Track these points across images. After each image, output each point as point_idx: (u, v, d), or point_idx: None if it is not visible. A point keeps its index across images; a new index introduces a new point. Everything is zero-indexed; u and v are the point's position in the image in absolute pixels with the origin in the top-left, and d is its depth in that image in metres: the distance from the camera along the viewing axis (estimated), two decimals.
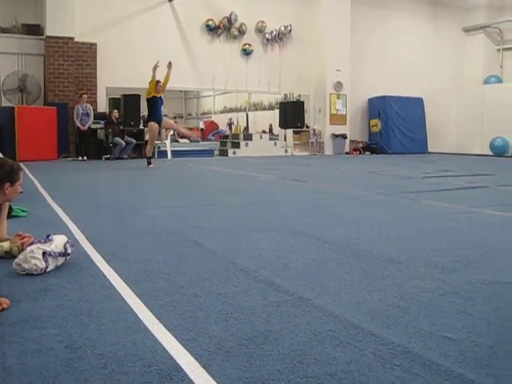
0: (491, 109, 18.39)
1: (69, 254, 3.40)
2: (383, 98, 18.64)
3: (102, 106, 15.16)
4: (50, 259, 3.25)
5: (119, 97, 14.83)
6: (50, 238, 3.38)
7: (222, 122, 26.09)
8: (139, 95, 14.91)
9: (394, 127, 18.69)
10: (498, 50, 21.27)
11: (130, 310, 2.58)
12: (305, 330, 2.32)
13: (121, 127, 14.30)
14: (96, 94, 14.97)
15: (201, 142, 21.82)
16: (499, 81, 20.13)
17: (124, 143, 14.10)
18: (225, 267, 3.35)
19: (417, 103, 19.32)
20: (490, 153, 18.20)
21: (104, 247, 3.85)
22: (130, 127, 14.62)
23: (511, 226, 4.93)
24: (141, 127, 15.13)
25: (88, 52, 14.76)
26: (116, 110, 14.36)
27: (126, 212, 5.64)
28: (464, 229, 4.79)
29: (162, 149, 15.25)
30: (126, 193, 7.57)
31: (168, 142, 15.25)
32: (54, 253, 3.28)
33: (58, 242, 3.37)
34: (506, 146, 17.95)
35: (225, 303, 2.67)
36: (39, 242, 3.34)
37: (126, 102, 14.57)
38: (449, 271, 3.27)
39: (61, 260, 3.35)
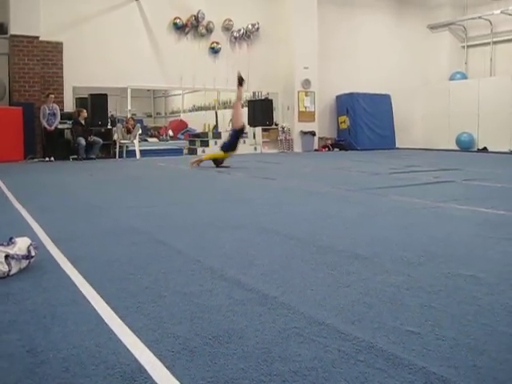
0: (457, 104, 18.68)
1: (32, 257, 3.34)
2: (351, 94, 18.76)
3: (69, 105, 14.96)
4: (13, 262, 3.19)
5: (86, 96, 14.66)
6: (13, 240, 3.32)
7: (191, 120, 25.95)
8: (106, 94, 14.79)
9: (362, 124, 18.84)
10: (463, 46, 21.57)
11: (94, 312, 2.55)
12: (269, 327, 2.33)
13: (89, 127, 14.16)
14: (63, 93, 14.76)
15: (170, 141, 21.69)
16: (464, 77, 20.42)
17: (84, 143, 13.89)
18: (191, 266, 3.34)
19: (384, 100, 19.49)
20: (456, 148, 18.48)
21: (69, 249, 3.80)
22: (97, 127, 14.47)
23: (475, 219, 4.99)
24: (108, 127, 15.00)
25: (54, 51, 14.53)
26: (84, 110, 14.20)
27: (93, 213, 5.59)
28: (429, 223, 4.85)
29: (131, 148, 15.12)
30: (93, 193, 7.49)
31: (136, 141, 15.12)
32: (18, 256, 3.22)
33: (22, 244, 3.31)
34: (472, 140, 18.24)
35: (190, 303, 2.66)
36: (1, 244, 3.27)
37: (94, 102, 14.40)
38: (414, 266, 3.31)
39: (24, 263, 3.29)
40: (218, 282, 3.01)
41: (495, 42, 20.34)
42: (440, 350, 2.10)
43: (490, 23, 20.17)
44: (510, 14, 19.22)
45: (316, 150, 18.36)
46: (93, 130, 14.29)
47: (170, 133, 23.50)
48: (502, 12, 19.22)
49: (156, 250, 3.79)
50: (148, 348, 2.13)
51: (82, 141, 13.86)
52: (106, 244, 4.02)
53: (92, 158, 14.10)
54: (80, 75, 14.69)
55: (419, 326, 2.34)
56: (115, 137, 15.04)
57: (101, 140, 14.35)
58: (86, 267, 3.32)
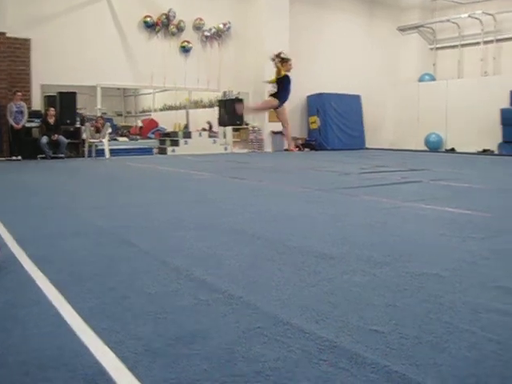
0: (426, 105, 18.92)
1: None
2: (321, 95, 18.84)
3: (37, 103, 14.75)
4: None
5: (55, 94, 14.47)
6: None
7: (162, 120, 25.82)
8: (75, 93, 14.61)
9: (332, 124, 18.94)
10: (431, 48, 21.86)
11: (57, 314, 2.51)
12: (234, 328, 2.32)
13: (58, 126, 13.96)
14: (30, 91, 14.54)
15: (140, 141, 21.55)
16: (433, 79, 20.70)
17: (45, 142, 13.67)
18: (157, 267, 3.31)
19: (354, 100, 19.63)
20: (425, 148, 18.71)
21: (33, 249, 3.74)
22: (66, 125, 14.28)
23: (441, 219, 5.06)
24: (77, 126, 14.82)
25: (21, 48, 14.26)
26: (53, 108, 14.00)
27: (59, 212, 5.51)
28: (396, 223, 4.89)
29: (100, 147, 14.97)
30: (60, 193, 7.39)
31: (106, 140, 14.97)
32: None
33: None
34: (440, 141, 18.50)
35: (154, 304, 2.64)
36: None
37: (62, 100, 14.21)
38: (380, 265, 3.33)
39: None
40: (183, 282, 2.99)
41: (463, 45, 20.65)
42: (402, 348, 2.11)
43: (458, 26, 20.47)
44: (476, 18, 19.55)
45: (286, 150, 18.39)
46: (61, 128, 14.09)
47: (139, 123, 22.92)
48: (469, 16, 19.55)
49: (122, 251, 3.76)
50: (110, 350, 2.11)
51: (44, 139, 13.63)
52: (71, 244, 3.96)
53: (60, 157, 13.91)
54: (49, 73, 14.46)
55: (383, 324, 2.35)
56: (84, 136, 14.87)
57: (65, 139, 14.10)
58: (50, 268, 3.28)
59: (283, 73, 10.66)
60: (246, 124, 18.00)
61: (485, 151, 17.03)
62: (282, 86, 10.77)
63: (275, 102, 10.80)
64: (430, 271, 3.19)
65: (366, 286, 2.90)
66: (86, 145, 14.68)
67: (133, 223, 4.85)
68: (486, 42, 19.85)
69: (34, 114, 14.11)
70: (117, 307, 2.60)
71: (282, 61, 10.82)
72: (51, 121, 13.88)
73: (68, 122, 14.32)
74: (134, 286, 2.92)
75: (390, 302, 2.65)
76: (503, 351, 2.09)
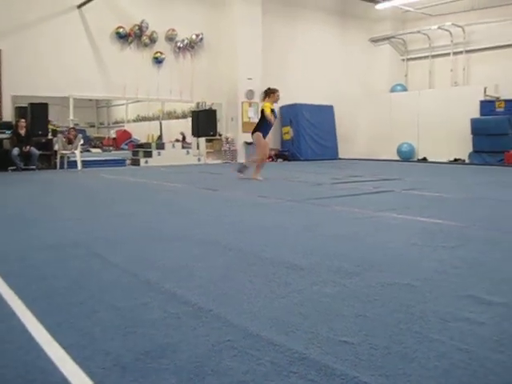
0: (398, 116, 19.15)
1: None
2: (294, 105, 18.95)
3: (8, 115, 14.57)
4: None
5: (26, 105, 14.32)
6: None
7: (135, 131, 25.71)
8: (47, 104, 14.49)
9: (305, 134, 19.04)
10: (403, 59, 22.16)
11: (24, 330, 2.46)
12: (203, 341, 2.30)
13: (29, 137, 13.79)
14: (1, 102, 14.37)
15: (113, 152, 21.42)
16: (404, 89, 20.97)
17: (16, 153, 13.51)
18: (127, 280, 3.28)
19: (327, 111, 19.78)
20: (397, 158, 18.90)
21: (1, 263, 3.68)
22: (37, 137, 14.12)
23: (412, 228, 5.10)
24: (49, 137, 14.67)
25: None
26: (23, 120, 13.84)
27: (28, 225, 5.43)
28: (368, 233, 4.92)
29: (73, 159, 14.84)
30: (30, 205, 7.29)
31: (78, 152, 14.84)
32: None
33: None
34: (412, 151, 18.71)
35: (124, 317, 2.60)
36: None
37: (34, 111, 14.08)
38: (351, 275, 3.34)
39: None
40: (153, 295, 2.96)
41: (433, 56, 20.98)
42: (372, 359, 2.12)
43: (428, 38, 20.79)
44: (446, 30, 19.88)
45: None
46: (33, 140, 13.93)
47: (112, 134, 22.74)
48: (439, 27, 19.87)
49: (92, 264, 3.71)
50: (78, 365, 2.07)
51: (15, 151, 13.47)
52: (41, 258, 3.90)
53: (32, 169, 13.75)
54: (20, 84, 14.33)
55: (353, 335, 2.36)
56: (56, 147, 14.72)
57: (37, 151, 13.94)
58: (18, 282, 3.22)
59: (265, 105, 10.39)
60: (220, 135, 18.00)
61: (456, 160, 17.27)
62: (262, 118, 10.57)
63: (262, 138, 10.56)
64: (401, 281, 3.21)
65: (335, 297, 2.90)
66: (58, 156, 14.54)
67: (105, 235, 4.80)
68: (455, 53, 20.19)
69: (4, 126, 13.96)
70: (85, 322, 2.56)
71: (266, 93, 10.67)
72: (22, 132, 13.72)
73: (40, 133, 14.17)
74: (103, 300, 2.89)
75: (360, 313, 2.65)
76: (472, 360, 2.11)
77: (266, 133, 10.63)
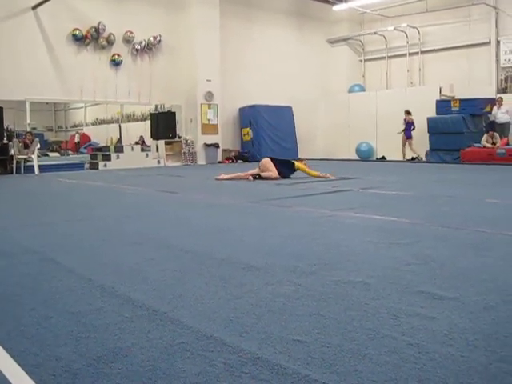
0: (356, 116, 19.39)
1: None
2: (253, 107, 19.01)
3: None
4: None
5: None
6: None
7: (94, 134, 25.42)
8: (2, 108, 14.21)
9: (264, 135, 19.11)
10: (360, 60, 22.46)
11: None
12: (156, 344, 2.29)
13: None
14: None
15: (71, 156, 21.13)
16: (362, 89, 21.24)
17: None
18: (81, 285, 3.24)
19: (286, 111, 19.89)
20: (356, 157, 19.12)
21: None
22: None
23: (368, 227, 5.16)
24: (5, 141, 14.39)
25: None
26: None
27: None
28: (325, 232, 4.96)
29: (29, 163, 14.58)
30: None
31: (35, 156, 14.58)
32: None
33: None
34: (371, 150, 18.96)
35: (77, 323, 2.57)
36: None
37: None
38: (306, 275, 3.37)
39: None
40: (107, 299, 2.94)
41: (390, 57, 21.31)
42: (324, 357, 2.14)
43: (385, 39, 21.10)
44: (402, 31, 20.21)
45: (220, 162, 18.45)
46: None
47: (77, 138, 22.57)
48: (395, 28, 20.21)
49: (47, 270, 3.65)
50: (28, 374, 2.04)
51: None
52: None
53: None
54: None
55: (306, 334, 2.37)
56: (12, 152, 14.45)
57: None
58: None
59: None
60: (179, 137, 17.93)
61: (413, 159, 17.55)
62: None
63: (273, 169, 11.10)
64: (356, 279, 3.25)
65: (290, 297, 2.92)
66: (14, 161, 14.28)
67: (59, 241, 4.73)
68: (411, 54, 20.55)
69: None
70: (37, 328, 2.52)
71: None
72: None
73: None
74: (56, 306, 2.85)
75: (313, 312, 2.67)
76: (421, 354, 2.14)
77: (282, 170, 11.19)
